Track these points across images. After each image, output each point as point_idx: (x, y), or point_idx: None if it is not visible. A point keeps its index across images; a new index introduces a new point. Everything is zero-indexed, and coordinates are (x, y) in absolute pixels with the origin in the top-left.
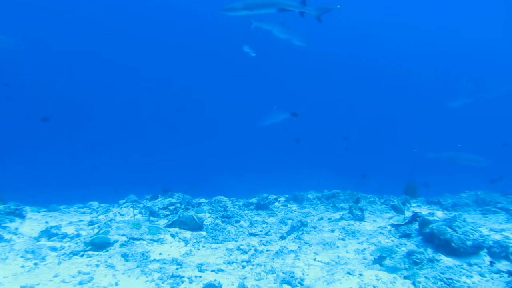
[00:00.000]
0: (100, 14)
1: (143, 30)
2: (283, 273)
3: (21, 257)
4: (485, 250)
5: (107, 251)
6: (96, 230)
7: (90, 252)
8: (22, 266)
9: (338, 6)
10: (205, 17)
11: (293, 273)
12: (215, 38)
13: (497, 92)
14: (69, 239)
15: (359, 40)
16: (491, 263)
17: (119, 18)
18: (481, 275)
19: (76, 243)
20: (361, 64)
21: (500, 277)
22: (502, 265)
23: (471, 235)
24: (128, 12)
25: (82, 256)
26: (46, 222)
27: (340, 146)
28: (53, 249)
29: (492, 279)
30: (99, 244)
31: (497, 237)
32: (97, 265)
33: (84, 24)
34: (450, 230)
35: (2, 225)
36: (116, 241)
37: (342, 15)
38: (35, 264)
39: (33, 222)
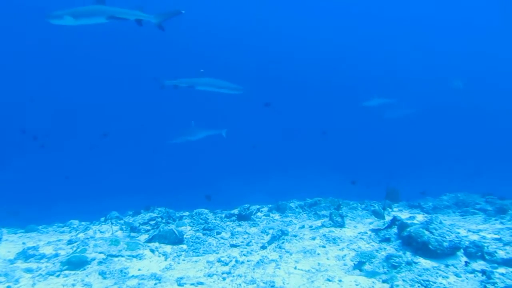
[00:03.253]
0: None
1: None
2: (264, 283)
3: None
4: (462, 251)
5: (84, 269)
6: (75, 249)
7: (66, 272)
8: None
9: (183, 12)
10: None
11: (274, 282)
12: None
13: (397, 113)
14: (46, 260)
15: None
16: (466, 263)
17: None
18: (457, 275)
19: (53, 263)
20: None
21: (475, 276)
22: (478, 264)
23: (447, 237)
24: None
25: (58, 276)
26: (23, 243)
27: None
28: (29, 270)
29: (467, 279)
30: (76, 263)
31: (474, 237)
32: (73, 285)
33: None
34: (427, 232)
35: None
36: (94, 259)
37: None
38: (8, 287)
39: (9, 244)
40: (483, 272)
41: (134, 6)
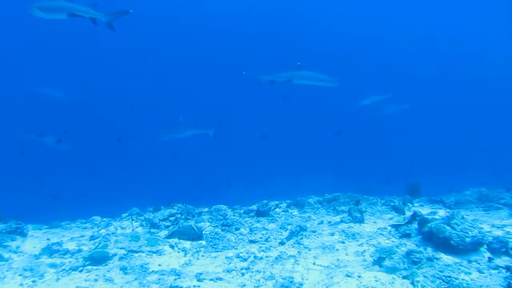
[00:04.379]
0: None
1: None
2: (282, 278)
3: (20, 275)
4: (485, 247)
5: (106, 265)
6: (97, 245)
7: (89, 267)
8: (21, 285)
9: (131, 11)
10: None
11: (292, 278)
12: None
13: (392, 109)
14: (69, 255)
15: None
16: (490, 259)
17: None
18: (480, 271)
19: (76, 259)
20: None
21: (499, 272)
22: (502, 260)
23: (470, 232)
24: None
25: (81, 271)
26: (48, 239)
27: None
28: (53, 265)
29: (490, 275)
30: (98, 259)
31: (498, 233)
32: (96, 280)
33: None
34: (448, 228)
35: (3, 244)
36: (115, 255)
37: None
38: (33, 281)
39: (34, 240)
40: (508, 268)
41: (88, 4)
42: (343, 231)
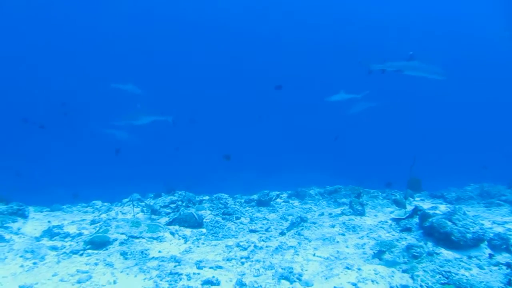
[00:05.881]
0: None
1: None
2: (282, 268)
3: (21, 256)
4: (486, 243)
5: (106, 249)
6: (98, 229)
7: (89, 251)
8: (21, 266)
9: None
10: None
11: (292, 268)
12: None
13: (359, 107)
14: (70, 238)
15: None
16: (490, 256)
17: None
18: (480, 267)
19: (77, 242)
20: None
21: (499, 269)
22: (502, 257)
23: (471, 228)
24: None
25: (81, 255)
26: (49, 221)
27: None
28: (53, 248)
29: (490, 271)
30: (99, 243)
31: (499, 229)
32: (96, 264)
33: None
34: (450, 223)
35: (4, 225)
36: (116, 240)
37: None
38: (34, 263)
39: (35, 222)
40: (508, 265)
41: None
42: (344, 223)
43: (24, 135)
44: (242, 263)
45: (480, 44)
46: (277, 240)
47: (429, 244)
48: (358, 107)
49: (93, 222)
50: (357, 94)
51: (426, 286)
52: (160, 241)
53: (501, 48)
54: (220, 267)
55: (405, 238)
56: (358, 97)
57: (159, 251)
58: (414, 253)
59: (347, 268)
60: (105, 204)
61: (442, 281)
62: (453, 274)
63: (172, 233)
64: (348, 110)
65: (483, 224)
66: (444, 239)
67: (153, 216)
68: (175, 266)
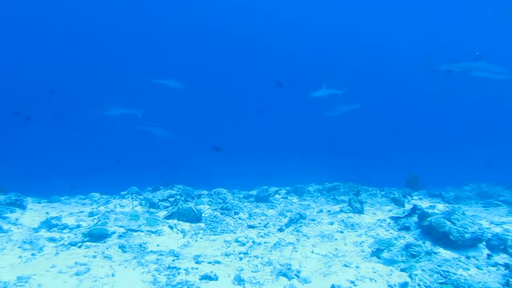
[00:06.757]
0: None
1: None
2: (280, 265)
3: (19, 247)
4: (484, 243)
5: (105, 242)
6: (96, 221)
7: (88, 243)
8: (20, 257)
9: None
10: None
11: (290, 265)
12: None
13: (342, 110)
14: (68, 230)
15: None
16: (489, 256)
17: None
18: (478, 267)
19: (75, 234)
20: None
21: (497, 269)
22: (500, 257)
23: (469, 228)
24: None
25: (80, 247)
26: (47, 213)
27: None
28: (52, 239)
29: (488, 272)
30: (97, 235)
31: (497, 230)
32: (94, 256)
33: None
34: (448, 223)
35: (2, 215)
36: (114, 233)
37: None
38: (33, 254)
39: (33, 213)
40: (507, 266)
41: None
42: (343, 220)
43: (18, 127)
44: (241, 259)
45: (481, 44)
46: (275, 236)
47: (428, 243)
48: (340, 109)
49: (91, 214)
50: (338, 90)
51: (424, 285)
52: (159, 235)
53: (501, 48)
54: (218, 262)
55: (404, 237)
56: (339, 93)
57: (158, 245)
58: (413, 252)
59: (345, 265)
60: (103, 196)
61: (440, 281)
62: (451, 274)
63: (171, 227)
64: (328, 112)
65: (481, 224)
66: (443, 238)
67: (151, 210)
68: (173, 260)
